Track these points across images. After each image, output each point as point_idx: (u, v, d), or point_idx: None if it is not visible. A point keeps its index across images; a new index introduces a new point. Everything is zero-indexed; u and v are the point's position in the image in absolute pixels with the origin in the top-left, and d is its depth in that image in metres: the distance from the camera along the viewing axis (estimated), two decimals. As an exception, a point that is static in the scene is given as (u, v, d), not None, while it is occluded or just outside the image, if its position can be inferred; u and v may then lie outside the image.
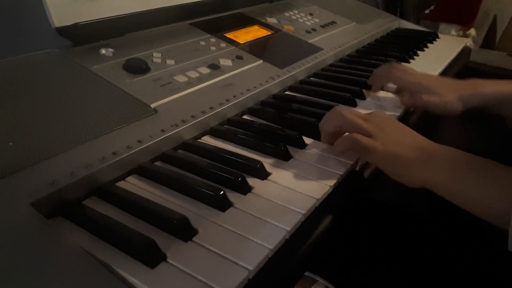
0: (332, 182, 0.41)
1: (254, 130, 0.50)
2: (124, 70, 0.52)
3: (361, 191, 0.46)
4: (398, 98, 0.62)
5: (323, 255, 0.64)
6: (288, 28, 0.81)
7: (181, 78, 0.54)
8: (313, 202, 0.38)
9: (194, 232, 0.33)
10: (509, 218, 0.35)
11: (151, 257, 0.30)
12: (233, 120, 0.53)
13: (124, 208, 0.36)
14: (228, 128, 0.52)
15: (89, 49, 0.55)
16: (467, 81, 0.60)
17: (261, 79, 0.60)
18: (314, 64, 0.71)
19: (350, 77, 0.70)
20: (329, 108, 0.48)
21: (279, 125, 0.51)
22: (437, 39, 0.99)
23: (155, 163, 0.43)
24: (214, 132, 0.50)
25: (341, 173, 0.43)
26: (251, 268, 0.30)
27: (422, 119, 0.66)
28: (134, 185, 0.40)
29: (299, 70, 0.67)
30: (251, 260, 0.30)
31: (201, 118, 0.48)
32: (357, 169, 0.47)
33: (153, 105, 0.47)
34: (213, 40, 0.67)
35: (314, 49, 0.76)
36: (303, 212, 0.36)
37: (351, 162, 0.45)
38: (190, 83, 0.53)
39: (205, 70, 0.57)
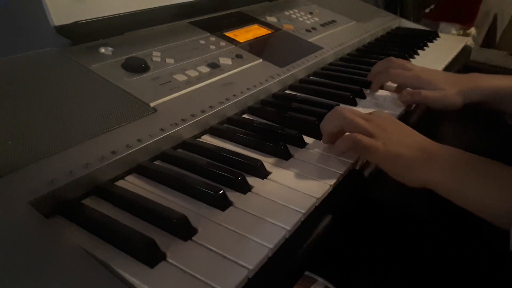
0: (332, 181, 0.41)
1: (254, 129, 0.50)
2: (123, 69, 0.52)
3: (361, 190, 0.46)
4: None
5: (323, 254, 0.64)
6: (288, 27, 0.81)
7: (180, 77, 0.54)
8: (313, 201, 0.38)
9: (194, 231, 0.33)
10: (510, 218, 0.35)
11: (151, 256, 0.30)
12: (233, 119, 0.53)
13: (123, 207, 0.36)
14: (228, 127, 0.51)
15: (88, 48, 0.54)
16: (467, 75, 0.59)
17: (261, 78, 0.60)
18: (314, 63, 0.71)
19: (350, 76, 0.70)
20: (329, 107, 0.48)
21: (279, 124, 0.51)
22: (437, 38, 0.99)
23: (154, 162, 0.43)
24: (214, 131, 0.50)
25: (341, 172, 0.43)
26: (251, 267, 0.30)
27: (422, 118, 0.66)
28: (133, 184, 0.39)
29: (299, 69, 0.67)
30: (251, 259, 0.30)
31: (201, 117, 0.48)
32: (357, 168, 0.47)
33: (152, 104, 0.47)
34: (212, 39, 0.67)
35: (314, 48, 0.76)
36: (303, 211, 0.36)
37: (351, 161, 0.45)
38: (189, 82, 0.53)
39: (204, 69, 0.57)
